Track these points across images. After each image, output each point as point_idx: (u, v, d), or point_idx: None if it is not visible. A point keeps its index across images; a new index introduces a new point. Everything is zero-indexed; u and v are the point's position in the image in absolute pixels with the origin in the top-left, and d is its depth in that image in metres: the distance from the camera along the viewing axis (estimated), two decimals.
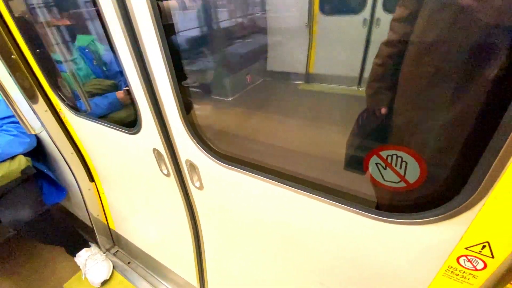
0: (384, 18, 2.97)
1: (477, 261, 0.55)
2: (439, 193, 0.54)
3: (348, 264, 0.81)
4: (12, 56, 1.32)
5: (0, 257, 2.08)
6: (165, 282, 1.80)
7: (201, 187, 1.07)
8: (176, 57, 0.82)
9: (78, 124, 1.46)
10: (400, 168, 0.55)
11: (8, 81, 1.37)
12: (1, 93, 1.40)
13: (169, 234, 1.55)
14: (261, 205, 0.91)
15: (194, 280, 1.55)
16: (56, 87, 1.43)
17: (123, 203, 1.73)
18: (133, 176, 1.43)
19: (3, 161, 1.48)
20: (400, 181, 0.57)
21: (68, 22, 1.73)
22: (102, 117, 1.31)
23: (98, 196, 1.86)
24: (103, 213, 1.95)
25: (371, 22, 3.08)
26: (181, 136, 0.97)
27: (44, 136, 1.63)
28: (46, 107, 1.47)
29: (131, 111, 1.10)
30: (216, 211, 1.12)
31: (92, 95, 1.74)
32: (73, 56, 1.89)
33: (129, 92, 1.02)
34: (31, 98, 1.43)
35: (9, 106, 1.44)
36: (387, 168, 0.56)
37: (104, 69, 2.21)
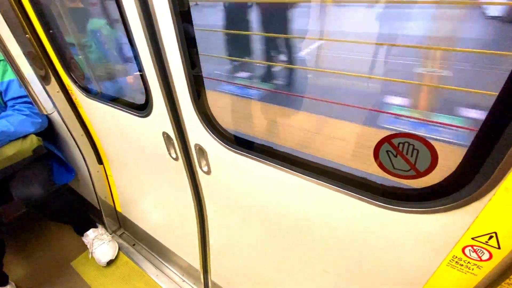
0: None
1: (482, 252, 0.56)
2: (448, 182, 0.54)
3: (352, 251, 0.82)
4: (26, 35, 1.33)
5: (11, 233, 2.14)
6: (169, 264, 1.84)
7: (208, 172, 1.08)
8: (190, 42, 0.83)
9: (88, 106, 1.48)
10: (411, 156, 0.55)
11: (22, 60, 1.39)
12: (15, 72, 1.42)
13: (174, 218, 1.58)
14: (268, 191, 0.93)
15: (197, 263, 1.58)
16: (68, 68, 1.44)
17: (130, 186, 1.77)
18: (141, 160, 1.45)
19: (16, 139, 1.52)
20: (410, 169, 0.57)
21: (81, 5, 1.74)
22: (113, 99, 1.32)
23: (106, 178, 1.90)
24: (110, 195, 1.99)
25: None
26: (191, 120, 0.98)
27: (55, 117, 1.66)
28: (58, 88, 1.49)
29: None
30: (223, 196, 1.13)
31: (102, 78, 1.76)
32: (85, 39, 1.90)
33: (141, 76, 1.03)
34: (43, 78, 1.45)
35: (23, 85, 1.47)
36: (398, 156, 0.57)
37: (115, 53, 2.22)
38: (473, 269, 0.60)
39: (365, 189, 0.67)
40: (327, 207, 0.78)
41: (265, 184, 0.91)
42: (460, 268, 0.61)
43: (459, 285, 0.64)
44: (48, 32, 1.33)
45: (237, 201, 1.09)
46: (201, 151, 1.04)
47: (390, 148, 0.57)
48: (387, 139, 0.56)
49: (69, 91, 1.51)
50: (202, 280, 1.61)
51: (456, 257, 0.60)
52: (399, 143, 0.55)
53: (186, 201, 1.32)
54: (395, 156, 0.57)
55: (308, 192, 0.80)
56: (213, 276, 1.58)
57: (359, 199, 0.68)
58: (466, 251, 0.58)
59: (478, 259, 0.57)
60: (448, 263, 0.62)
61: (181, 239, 1.64)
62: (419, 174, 0.56)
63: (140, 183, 1.63)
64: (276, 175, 0.84)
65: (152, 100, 1.04)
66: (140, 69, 1.00)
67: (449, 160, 0.55)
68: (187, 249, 1.63)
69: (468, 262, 0.59)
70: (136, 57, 0.98)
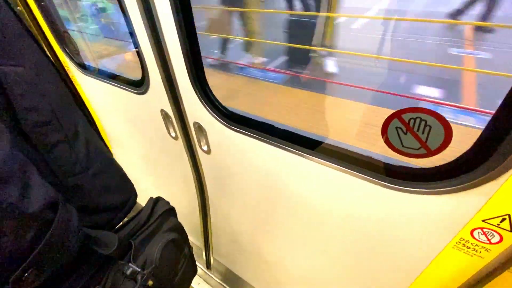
0: None
1: (493, 234, 0.53)
2: (463, 161, 0.50)
3: (354, 230, 0.80)
4: (18, 7, 1.27)
5: None
6: None
7: (208, 151, 1.06)
8: (187, 15, 0.77)
9: (85, 83, 1.44)
10: (423, 133, 0.51)
11: None
12: None
13: (176, 197, 1.58)
14: (268, 170, 0.90)
15: (199, 241, 1.60)
16: (63, 44, 1.39)
17: (131, 165, 1.76)
18: (142, 139, 1.42)
19: None
20: (420, 147, 0.53)
21: None
22: (109, 75, 1.28)
23: None
24: None
25: None
26: (190, 98, 0.93)
27: None
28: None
29: None
30: (223, 175, 1.11)
31: (98, 54, 1.69)
32: (81, 13, 1.82)
33: (137, 51, 0.98)
34: None
35: None
36: (408, 133, 0.52)
37: (113, 28, 2.14)
38: (480, 252, 0.57)
39: (371, 169, 0.64)
40: (331, 187, 0.75)
41: (265, 162, 0.88)
42: (467, 251, 0.59)
43: (464, 268, 0.62)
44: (39, 4, 1.27)
45: (237, 180, 1.06)
46: (200, 129, 1.00)
47: (400, 125, 0.52)
48: (397, 115, 0.52)
49: (65, 68, 1.46)
50: (204, 258, 1.64)
51: (464, 239, 0.58)
52: (410, 119, 0.51)
53: (187, 180, 1.30)
54: (405, 133, 0.53)
55: (311, 171, 0.77)
56: (215, 254, 1.60)
57: (365, 179, 0.65)
58: (475, 233, 0.55)
59: (488, 242, 0.55)
60: (455, 245, 0.60)
61: (183, 218, 1.64)
62: (430, 153, 0.52)
63: (141, 163, 1.62)
64: (276, 153, 0.81)
65: (148, 76, 1.00)
66: (135, 43, 0.95)
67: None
68: (189, 227, 1.64)
69: (476, 245, 0.57)
70: (131, 30, 0.92)
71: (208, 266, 1.67)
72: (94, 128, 0.67)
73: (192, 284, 1.67)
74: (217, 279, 1.62)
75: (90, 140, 0.58)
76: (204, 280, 1.65)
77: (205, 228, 1.49)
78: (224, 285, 1.59)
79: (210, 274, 1.65)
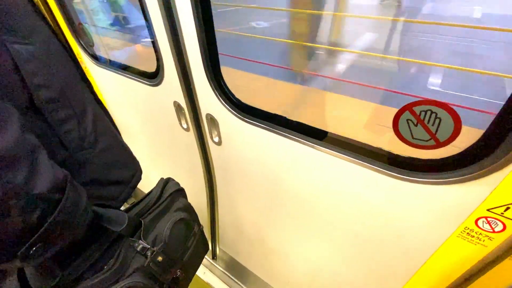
0: None
1: (496, 223, 0.56)
2: (471, 151, 0.53)
3: (363, 222, 0.83)
4: None
5: None
6: None
7: (219, 143, 1.09)
8: (205, 7, 0.80)
9: (98, 74, 1.47)
10: (433, 125, 0.54)
11: None
12: None
13: (184, 188, 1.61)
14: (278, 161, 0.93)
15: (206, 232, 1.64)
16: (77, 35, 1.42)
17: (141, 156, 1.79)
18: (152, 130, 1.46)
19: None
20: (430, 139, 0.56)
21: None
22: (123, 67, 1.31)
23: None
24: None
25: None
26: (204, 89, 0.96)
27: None
28: None
29: None
30: (233, 167, 1.15)
31: (111, 46, 1.72)
32: (92, 6, 1.85)
33: (152, 42, 1.01)
34: None
35: None
36: (418, 125, 0.55)
37: (123, 22, 2.16)
38: (484, 241, 0.60)
39: (380, 159, 0.66)
40: (341, 178, 0.78)
41: (276, 153, 0.91)
42: (471, 240, 0.62)
43: (468, 256, 0.65)
44: None
45: (247, 171, 1.10)
46: (212, 121, 1.03)
47: (411, 117, 0.55)
48: (408, 107, 0.54)
49: (79, 59, 1.49)
50: (211, 248, 1.68)
51: (468, 228, 0.61)
52: (421, 111, 0.53)
53: (197, 172, 1.34)
54: (415, 125, 0.56)
55: (321, 162, 0.79)
56: (221, 244, 1.64)
57: (374, 170, 0.68)
58: (479, 222, 0.58)
59: (491, 230, 0.57)
60: (459, 234, 0.63)
61: None
62: (439, 144, 0.55)
63: (151, 154, 1.66)
64: (288, 145, 0.84)
65: (163, 68, 1.02)
66: (152, 35, 0.98)
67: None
68: None
69: (480, 233, 0.60)
70: (148, 22, 0.95)
71: (214, 256, 1.71)
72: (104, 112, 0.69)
73: (198, 273, 1.71)
74: (222, 269, 1.66)
75: (97, 118, 0.60)
76: (210, 270, 1.69)
77: (212, 218, 1.53)
78: (229, 274, 1.63)
79: (215, 264, 1.69)
